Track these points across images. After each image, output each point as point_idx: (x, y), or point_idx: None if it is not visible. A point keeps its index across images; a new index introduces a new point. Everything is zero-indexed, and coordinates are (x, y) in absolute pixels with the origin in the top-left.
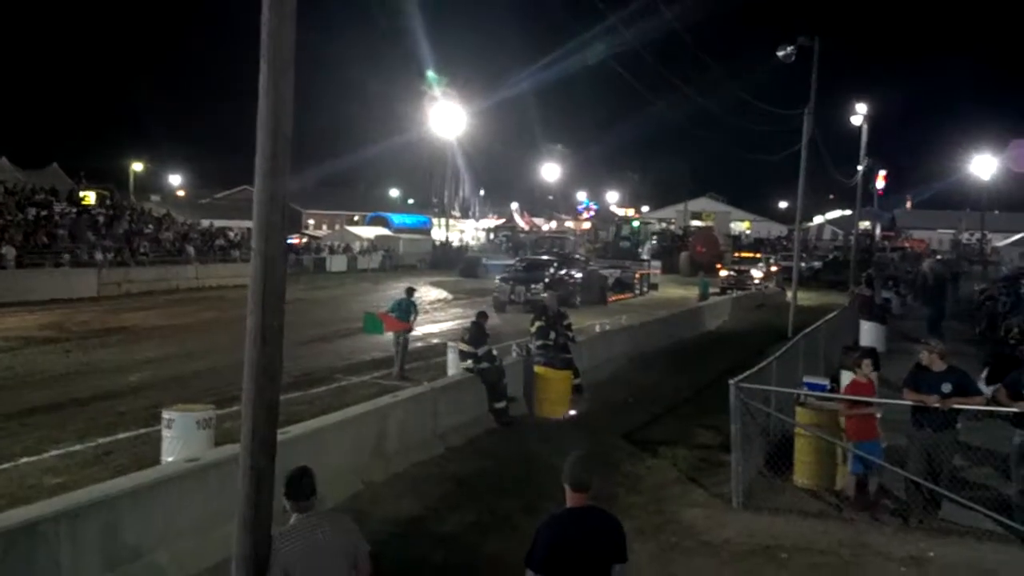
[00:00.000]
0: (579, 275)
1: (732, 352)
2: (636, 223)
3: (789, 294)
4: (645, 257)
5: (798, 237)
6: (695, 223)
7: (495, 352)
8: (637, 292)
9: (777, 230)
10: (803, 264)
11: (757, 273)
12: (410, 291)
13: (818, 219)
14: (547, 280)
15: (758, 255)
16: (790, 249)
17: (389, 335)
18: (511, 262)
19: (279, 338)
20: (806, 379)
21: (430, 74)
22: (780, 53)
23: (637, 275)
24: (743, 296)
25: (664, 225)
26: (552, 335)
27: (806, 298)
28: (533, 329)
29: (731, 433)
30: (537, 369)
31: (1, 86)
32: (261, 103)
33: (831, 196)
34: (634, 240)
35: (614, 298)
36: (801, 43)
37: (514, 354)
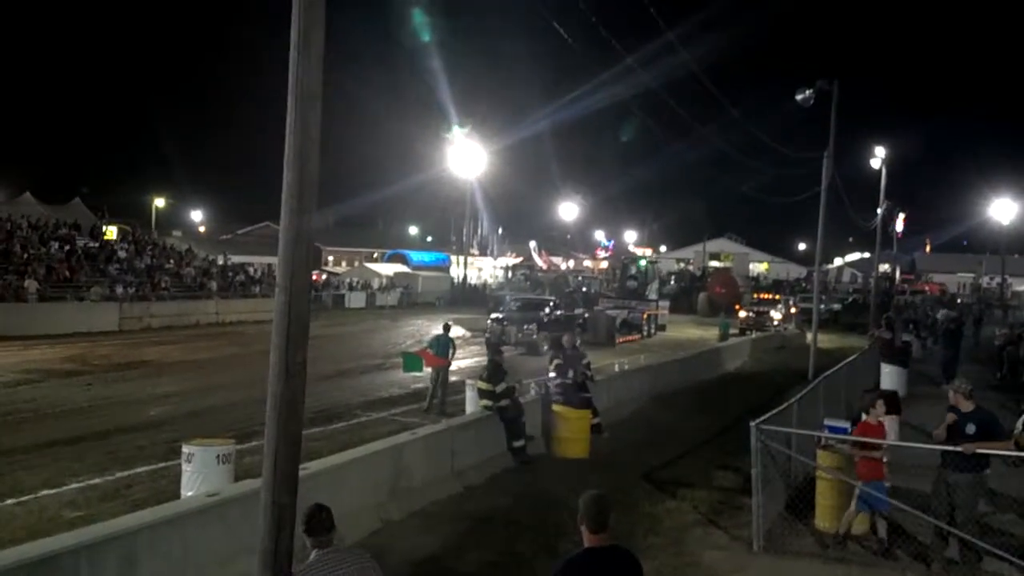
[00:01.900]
0: (585, 315)
1: (752, 393)
2: (643, 262)
3: (808, 336)
4: (653, 297)
5: (818, 279)
6: (713, 264)
7: (513, 390)
8: (645, 333)
9: (796, 271)
10: (822, 306)
11: (776, 314)
12: (447, 327)
13: (838, 261)
14: (544, 320)
15: (777, 296)
16: (809, 291)
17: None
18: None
19: (302, 373)
20: (827, 422)
21: (455, 126)
22: (799, 97)
23: (644, 315)
24: (762, 337)
25: (682, 265)
26: (571, 373)
27: (825, 340)
28: (551, 367)
29: (752, 475)
30: (555, 408)
31: (25, 122)
32: (288, 141)
33: (850, 239)
34: (641, 280)
35: (622, 340)
36: (820, 87)
37: (532, 392)
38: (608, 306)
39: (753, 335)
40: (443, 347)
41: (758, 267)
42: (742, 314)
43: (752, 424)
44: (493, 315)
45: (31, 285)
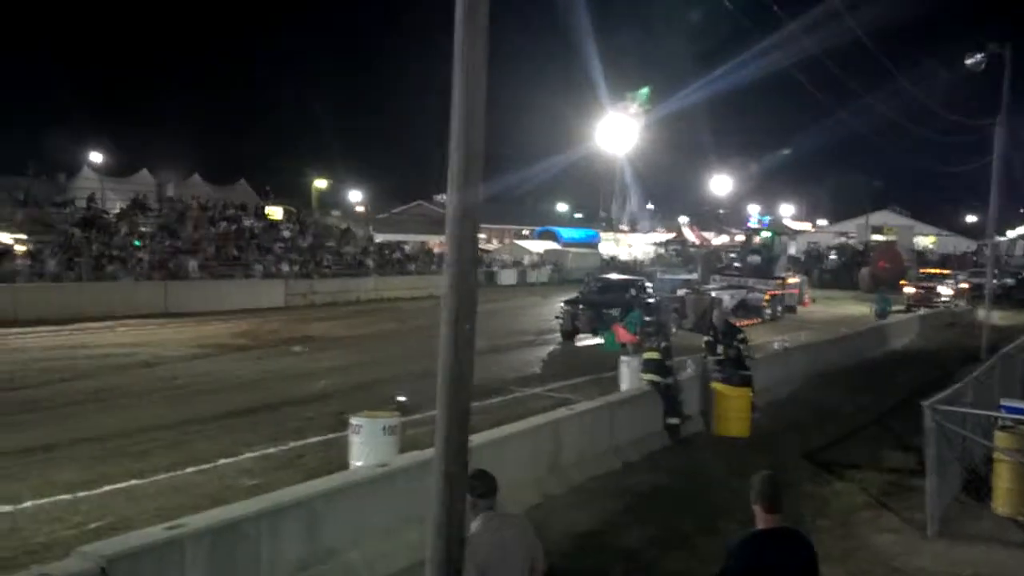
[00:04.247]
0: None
1: (919, 372)
2: (767, 234)
3: (980, 312)
4: (780, 274)
5: (992, 252)
6: (876, 237)
7: (675, 368)
8: (768, 316)
9: (964, 245)
10: (995, 281)
11: (946, 290)
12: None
13: (1010, 234)
14: (629, 304)
15: (946, 271)
16: (980, 265)
17: None
18: (690, 276)
19: (471, 346)
20: (1003, 402)
21: (643, 90)
22: (969, 61)
23: (767, 296)
24: (930, 314)
25: (844, 239)
26: (720, 348)
27: (999, 317)
28: (703, 344)
29: (926, 457)
30: (715, 386)
31: (193, 108)
32: (453, 119)
33: (1022, 210)
34: (766, 255)
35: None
36: (992, 50)
37: (690, 370)
38: (723, 285)
39: (921, 312)
40: (633, 324)
41: (924, 240)
42: (909, 290)
43: (925, 404)
44: (565, 299)
45: (193, 265)
